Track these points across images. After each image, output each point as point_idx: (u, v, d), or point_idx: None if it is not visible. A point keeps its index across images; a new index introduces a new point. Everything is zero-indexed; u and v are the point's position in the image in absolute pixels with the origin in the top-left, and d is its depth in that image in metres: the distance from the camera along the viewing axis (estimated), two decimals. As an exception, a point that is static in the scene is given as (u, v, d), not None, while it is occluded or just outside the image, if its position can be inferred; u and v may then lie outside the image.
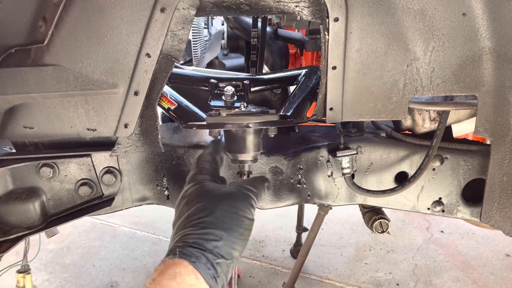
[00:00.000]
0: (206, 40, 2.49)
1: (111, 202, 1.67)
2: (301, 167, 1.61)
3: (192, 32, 2.41)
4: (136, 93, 1.42)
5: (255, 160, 1.37)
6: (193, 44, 2.38)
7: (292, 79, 1.64)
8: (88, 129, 1.49)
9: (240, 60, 2.79)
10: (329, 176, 1.67)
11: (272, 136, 1.32)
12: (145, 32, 1.32)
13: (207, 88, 1.55)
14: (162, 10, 1.28)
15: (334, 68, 1.41)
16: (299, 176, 1.61)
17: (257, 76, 1.65)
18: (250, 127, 1.27)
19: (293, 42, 2.33)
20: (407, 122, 1.67)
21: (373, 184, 1.69)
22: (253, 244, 3.70)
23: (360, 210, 2.20)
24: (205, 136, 1.59)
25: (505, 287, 3.05)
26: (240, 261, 3.44)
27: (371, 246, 3.66)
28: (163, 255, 0.97)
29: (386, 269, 3.34)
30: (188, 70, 1.66)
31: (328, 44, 1.37)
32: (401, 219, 4.06)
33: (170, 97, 1.46)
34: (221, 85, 1.54)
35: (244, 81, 1.55)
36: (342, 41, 1.37)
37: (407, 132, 1.72)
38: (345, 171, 1.57)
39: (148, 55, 1.35)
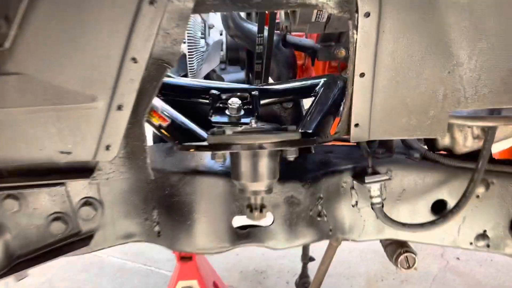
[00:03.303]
0: (203, 52, 2.25)
1: (90, 240, 1.39)
2: (321, 195, 1.33)
3: (188, 43, 2.17)
4: (119, 107, 1.16)
5: (269, 190, 1.10)
6: (189, 55, 2.14)
7: (309, 90, 1.38)
8: (61, 152, 1.23)
9: (239, 75, 2.55)
10: (353, 206, 1.40)
11: (292, 159, 1.05)
12: (131, 31, 1.06)
13: (207, 101, 1.29)
14: (152, 2, 1.02)
15: (362, 75, 1.17)
16: (319, 206, 1.33)
17: (267, 87, 1.39)
18: (265, 148, 1.00)
19: (304, 49, 2.08)
20: (445, 141, 1.42)
21: (405, 214, 1.42)
22: (253, 275, 3.38)
23: (381, 242, 1.92)
24: (205, 160, 1.32)
25: (532, 321, 2.77)
26: (240, 295, 3.13)
27: (383, 276, 3.36)
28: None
29: (401, 302, 3.04)
30: (184, 79, 1.40)
31: (356, 46, 1.12)
32: (413, 244, 3.78)
33: (162, 112, 1.20)
34: (224, 97, 1.28)
35: (253, 92, 1.29)
36: (373, 42, 1.13)
37: (443, 152, 1.46)
38: (375, 200, 1.30)
39: (134, 59, 1.10)
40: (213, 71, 2.49)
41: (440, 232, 1.44)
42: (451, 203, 1.40)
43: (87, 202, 1.38)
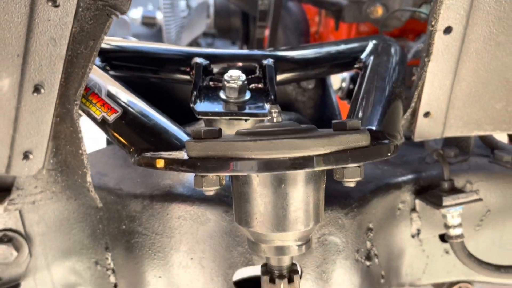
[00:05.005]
0: (183, 17, 1.74)
1: (12, 295, 0.91)
2: (371, 226, 0.86)
3: (164, 5, 1.66)
4: (37, 89, 0.69)
5: (306, 243, 0.60)
6: (166, 21, 1.63)
7: (350, 59, 0.89)
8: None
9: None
10: (413, 237, 0.93)
11: (353, 185, 0.56)
12: None
13: (188, 77, 0.79)
14: None
15: (447, 30, 0.72)
16: (368, 243, 0.85)
17: (285, 53, 0.89)
18: (311, 167, 0.49)
19: (326, 6, 1.56)
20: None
21: (488, 246, 0.96)
22: None
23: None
24: (186, 175, 0.82)
25: None
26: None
27: None
28: None
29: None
30: (148, 43, 0.89)
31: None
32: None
33: (108, 96, 0.70)
34: (216, 69, 0.78)
35: (264, 61, 0.79)
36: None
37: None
38: (454, 231, 0.84)
39: (53, 2, 0.61)
40: (196, 43, 1.99)
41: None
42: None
43: (5, 237, 0.90)
